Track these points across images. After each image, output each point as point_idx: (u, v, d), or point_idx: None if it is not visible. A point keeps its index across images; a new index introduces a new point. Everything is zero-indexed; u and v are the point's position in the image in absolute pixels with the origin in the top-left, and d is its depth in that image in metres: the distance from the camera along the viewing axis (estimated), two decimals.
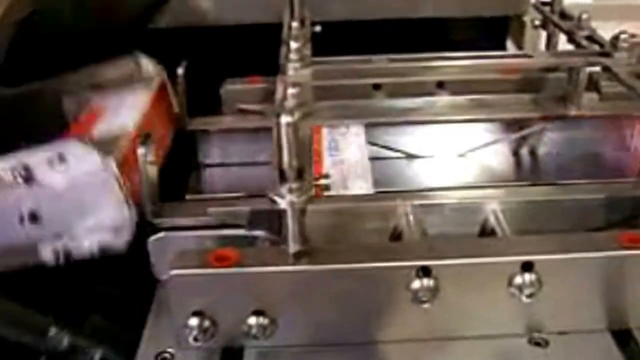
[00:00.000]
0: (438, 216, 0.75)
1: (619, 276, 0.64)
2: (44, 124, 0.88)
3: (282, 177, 0.60)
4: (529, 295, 0.62)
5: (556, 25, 0.99)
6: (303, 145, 0.61)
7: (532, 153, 0.96)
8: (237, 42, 1.16)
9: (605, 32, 0.93)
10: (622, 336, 0.66)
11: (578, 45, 0.93)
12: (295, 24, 0.87)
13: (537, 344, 0.65)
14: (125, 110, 0.82)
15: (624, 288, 0.64)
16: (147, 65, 0.91)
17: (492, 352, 0.65)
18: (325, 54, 0.89)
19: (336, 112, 0.92)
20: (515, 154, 0.96)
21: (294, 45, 0.84)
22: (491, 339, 0.65)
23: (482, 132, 0.96)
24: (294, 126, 0.58)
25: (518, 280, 0.62)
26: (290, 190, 0.60)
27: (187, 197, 0.86)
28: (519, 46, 1.24)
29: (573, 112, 0.92)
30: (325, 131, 0.92)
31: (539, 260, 0.62)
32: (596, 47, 0.90)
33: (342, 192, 0.81)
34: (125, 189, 0.71)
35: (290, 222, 0.61)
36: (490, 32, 1.25)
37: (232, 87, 0.96)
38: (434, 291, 0.62)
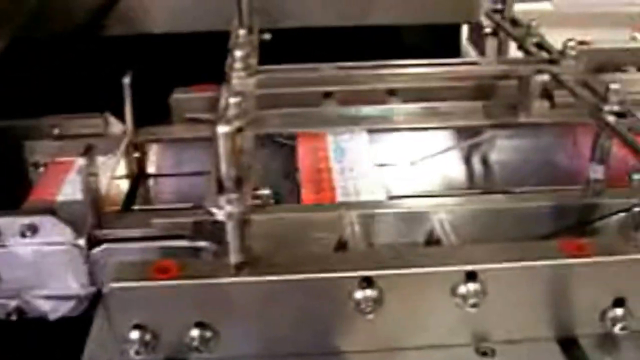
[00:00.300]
0: (384, 226, 0.75)
1: (564, 284, 0.63)
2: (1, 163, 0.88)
3: (221, 188, 0.59)
4: (473, 305, 0.62)
5: (507, 33, 1.00)
6: (244, 156, 0.60)
7: (484, 160, 0.96)
8: (188, 51, 1.15)
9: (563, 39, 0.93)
10: (568, 344, 0.65)
11: (527, 52, 0.93)
12: (242, 32, 0.86)
13: (484, 353, 0.64)
14: None
15: (569, 296, 0.64)
16: (116, 124, 0.90)
17: None
18: (277, 62, 0.88)
19: (284, 121, 0.92)
20: (467, 161, 0.96)
21: (238, 53, 0.83)
22: (438, 349, 0.64)
23: (434, 140, 0.95)
24: (232, 136, 0.57)
25: (462, 289, 0.62)
26: (229, 201, 0.59)
27: (133, 207, 0.85)
28: (481, 52, 1.24)
29: (523, 119, 0.93)
30: (329, 139, 0.91)
31: (483, 269, 0.62)
32: (545, 55, 0.90)
33: (355, 199, 0.81)
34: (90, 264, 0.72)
35: (230, 233, 0.60)
36: (443, 38, 1.25)
37: (181, 96, 0.95)
38: (378, 301, 0.61)
